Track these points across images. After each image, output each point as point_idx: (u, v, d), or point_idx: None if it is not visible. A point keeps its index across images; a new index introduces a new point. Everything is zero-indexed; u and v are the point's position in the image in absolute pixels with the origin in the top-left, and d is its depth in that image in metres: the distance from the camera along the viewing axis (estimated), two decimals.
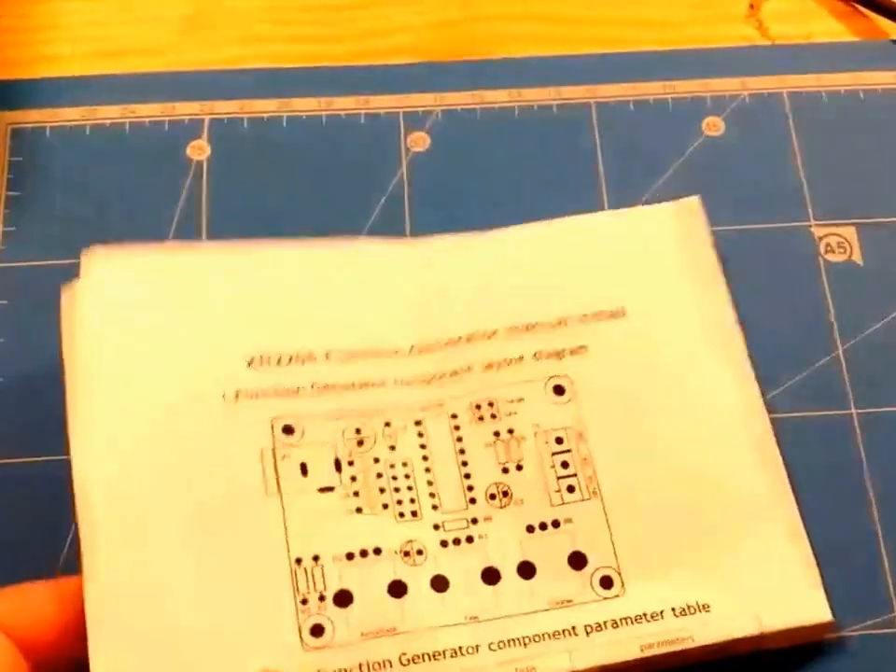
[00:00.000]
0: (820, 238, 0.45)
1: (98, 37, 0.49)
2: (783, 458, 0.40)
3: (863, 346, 0.43)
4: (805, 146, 0.47)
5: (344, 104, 0.48)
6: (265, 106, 0.47)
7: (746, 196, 0.46)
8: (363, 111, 0.47)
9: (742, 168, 0.47)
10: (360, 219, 0.45)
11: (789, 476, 0.40)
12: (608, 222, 0.44)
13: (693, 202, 0.44)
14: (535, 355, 0.42)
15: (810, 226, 0.45)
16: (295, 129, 0.47)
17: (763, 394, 0.41)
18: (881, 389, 0.43)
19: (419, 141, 0.47)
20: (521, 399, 0.41)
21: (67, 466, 0.38)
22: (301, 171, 0.46)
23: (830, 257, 0.45)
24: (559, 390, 0.41)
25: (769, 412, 0.41)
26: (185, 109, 0.47)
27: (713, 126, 0.47)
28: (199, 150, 0.46)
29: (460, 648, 0.37)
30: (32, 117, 0.47)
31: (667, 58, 0.49)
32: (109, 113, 0.47)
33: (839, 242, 0.45)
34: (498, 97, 0.48)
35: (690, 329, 0.42)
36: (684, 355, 0.41)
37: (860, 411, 0.42)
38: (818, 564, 0.39)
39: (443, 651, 0.37)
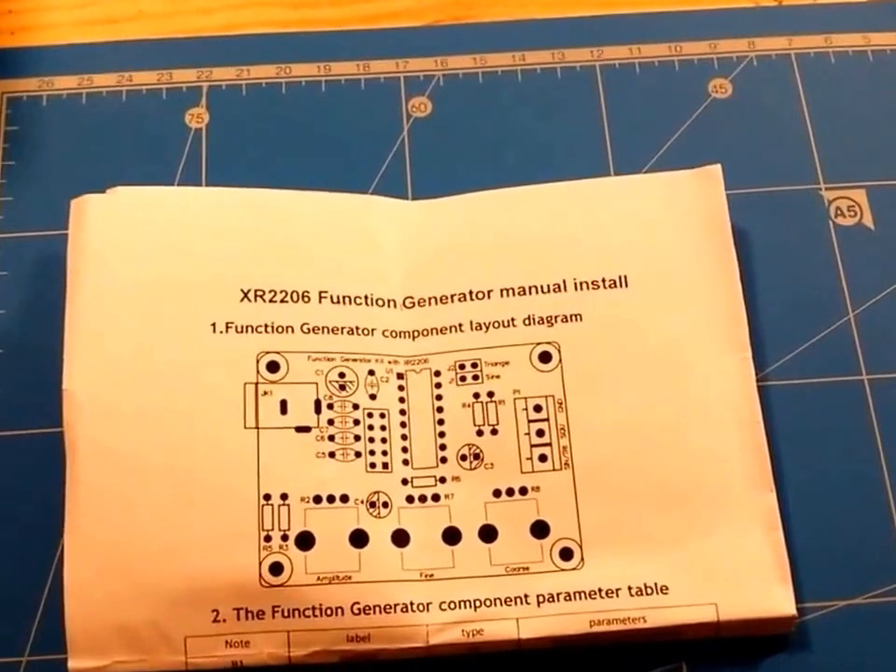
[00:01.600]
0: (830, 202, 0.45)
1: (94, 4, 0.49)
2: (792, 425, 0.41)
3: (874, 311, 0.43)
4: (814, 108, 0.46)
5: (344, 69, 0.47)
6: (264, 73, 0.47)
7: (754, 159, 0.45)
8: (363, 76, 0.47)
9: (750, 131, 0.46)
10: (361, 186, 0.44)
11: (786, 456, 0.40)
12: (619, 187, 0.43)
13: (714, 170, 0.43)
14: (526, 319, 0.41)
15: (820, 189, 0.45)
16: (294, 95, 0.47)
17: (772, 362, 0.42)
18: (892, 355, 0.42)
19: (420, 106, 0.47)
20: (506, 363, 0.41)
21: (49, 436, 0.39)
22: (301, 138, 0.46)
23: (840, 221, 0.44)
24: (545, 357, 0.41)
25: (779, 378, 0.41)
26: (182, 77, 0.47)
27: (720, 88, 0.47)
28: (197, 118, 0.46)
29: (411, 603, 0.38)
30: (28, 85, 0.47)
31: (673, 18, 0.48)
32: (106, 81, 0.47)
33: (849, 205, 0.45)
34: (501, 61, 0.47)
35: (692, 307, 0.41)
36: (682, 333, 0.41)
37: (871, 376, 0.42)
38: (828, 546, 0.39)
39: (395, 606, 0.38)
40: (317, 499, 0.38)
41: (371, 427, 0.40)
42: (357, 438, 0.39)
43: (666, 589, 0.38)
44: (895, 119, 0.46)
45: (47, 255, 0.43)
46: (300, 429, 0.39)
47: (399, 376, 0.41)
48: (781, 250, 0.44)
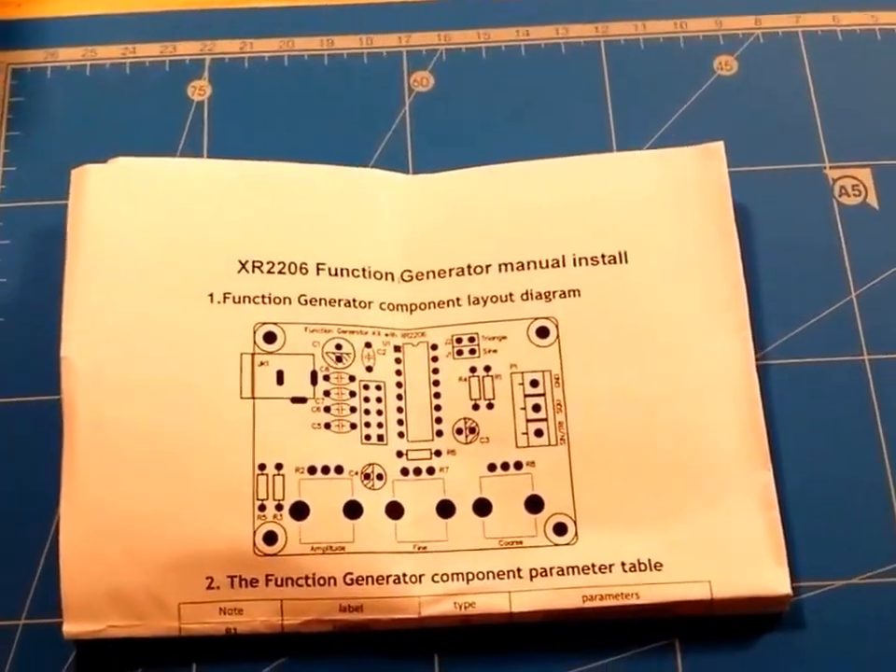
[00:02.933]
0: (835, 181, 0.45)
1: None
2: (792, 404, 0.41)
3: (877, 291, 0.43)
4: (820, 86, 0.46)
5: (347, 42, 0.47)
6: (267, 46, 0.47)
7: (758, 137, 0.45)
8: (366, 50, 0.47)
9: (755, 109, 0.46)
10: (362, 159, 0.45)
11: (785, 435, 0.40)
12: (620, 163, 0.43)
13: (716, 147, 0.43)
14: (524, 295, 0.41)
15: (824, 168, 0.45)
16: (297, 69, 0.47)
17: (773, 341, 0.42)
18: (894, 335, 0.42)
19: (423, 80, 0.47)
20: (503, 338, 0.41)
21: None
22: (303, 111, 0.46)
23: (844, 200, 0.44)
24: (543, 332, 0.41)
25: (780, 357, 0.42)
26: (186, 49, 0.47)
27: (726, 65, 0.47)
28: (200, 91, 0.46)
29: (404, 575, 0.38)
30: (33, 57, 0.47)
31: None
32: (109, 53, 0.47)
33: (854, 184, 0.44)
34: (505, 35, 0.47)
35: (692, 285, 0.41)
36: (681, 310, 0.41)
37: (872, 356, 0.42)
38: (825, 525, 0.39)
39: (387, 577, 0.38)
40: (312, 470, 0.39)
41: (366, 399, 0.40)
42: (353, 409, 0.40)
43: (660, 566, 0.38)
44: None
45: (48, 224, 0.43)
46: (295, 400, 0.40)
47: (396, 349, 0.41)
48: (784, 229, 0.44)
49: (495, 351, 0.41)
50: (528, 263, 0.42)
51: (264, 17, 0.48)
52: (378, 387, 0.40)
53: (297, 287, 0.41)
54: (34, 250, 0.44)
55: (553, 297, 0.41)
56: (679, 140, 0.44)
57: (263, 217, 0.42)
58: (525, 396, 0.40)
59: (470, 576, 0.38)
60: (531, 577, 0.38)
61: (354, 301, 0.41)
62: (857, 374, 0.42)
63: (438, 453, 0.40)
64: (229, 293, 0.41)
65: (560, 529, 0.39)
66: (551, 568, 0.38)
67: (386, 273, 0.42)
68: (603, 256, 0.41)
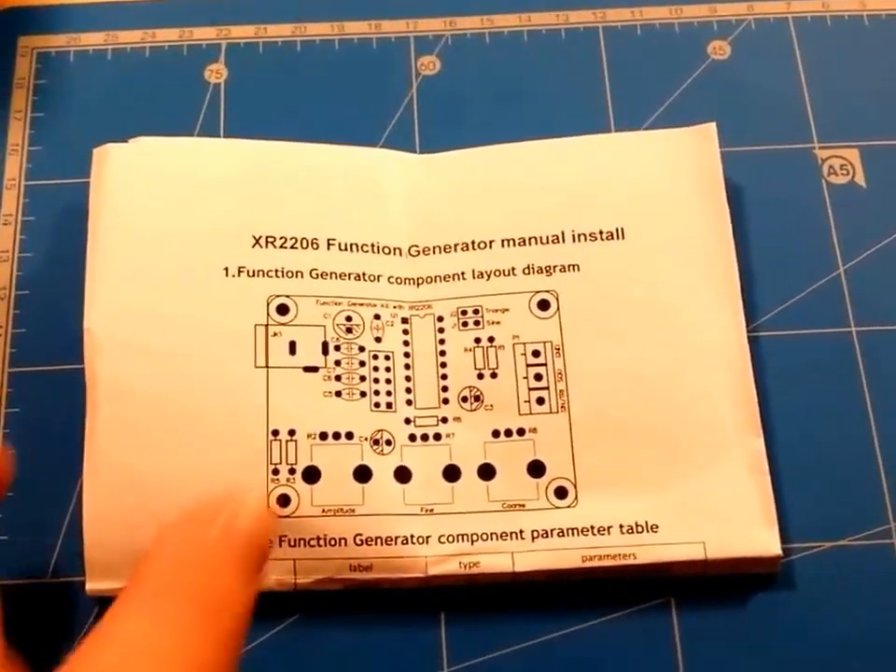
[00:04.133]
0: (823, 160, 0.46)
1: None
2: (782, 374, 0.42)
3: (864, 266, 0.44)
4: (810, 70, 0.47)
5: (357, 28, 0.49)
6: (280, 31, 0.48)
7: (750, 119, 0.46)
8: (375, 35, 0.48)
9: (747, 91, 0.47)
10: (371, 140, 0.46)
11: (776, 404, 0.42)
12: (618, 143, 0.45)
13: (709, 129, 0.44)
14: (525, 269, 0.43)
15: (813, 148, 0.46)
16: (309, 53, 0.48)
17: (764, 313, 0.43)
18: (880, 309, 0.43)
19: (429, 65, 0.48)
20: (506, 310, 0.42)
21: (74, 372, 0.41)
22: (315, 94, 0.47)
23: (832, 179, 0.45)
24: (544, 305, 0.42)
25: (771, 329, 0.43)
26: (202, 34, 0.48)
27: (719, 50, 0.48)
28: (216, 74, 0.47)
29: (411, 536, 0.39)
30: (56, 41, 0.48)
31: None
32: (130, 38, 0.48)
33: (842, 164, 0.46)
34: (508, 21, 0.49)
35: (686, 259, 0.42)
36: (676, 284, 0.42)
37: (859, 329, 0.43)
38: (816, 490, 0.41)
39: (395, 538, 0.39)
40: (323, 436, 0.40)
41: (375, 369, 0.41)
42: (363, 378, 0.41)
43: (656, 528, 0.39)
44: (888, 81, 0.47)
45: (71, 202, 0.44)
46: (307, 369, 0.41)
47: (404, 321, 0.42)
48: (775, 207, 0.45)
49: (498, 323, 0.42)
50: (529, 239, 0.43)
51: (277, 3, 0.49)
52: (387, 357, 0.42)
53: (309, 262, 0.42)
54: (58, 227, 0.45)
55: (554, 271, 0.42)
56: (675, 121, 0.45)
57: (276, 194, 0.43)
58: (527, 366, 0.41)
59: (475, 537, 0.39)
60: (533, 538, 0.39)
61: (363, 274, 0.42)
62: (844, 345, 0.43)
63: (444, 420, 0.41)
64: (243, 267, 0.42)
65: (561, 493, 0.40)
66: (552, 530, 0.39)
67: (394, 249, 0.43)
68: (601, 232, 0.43)
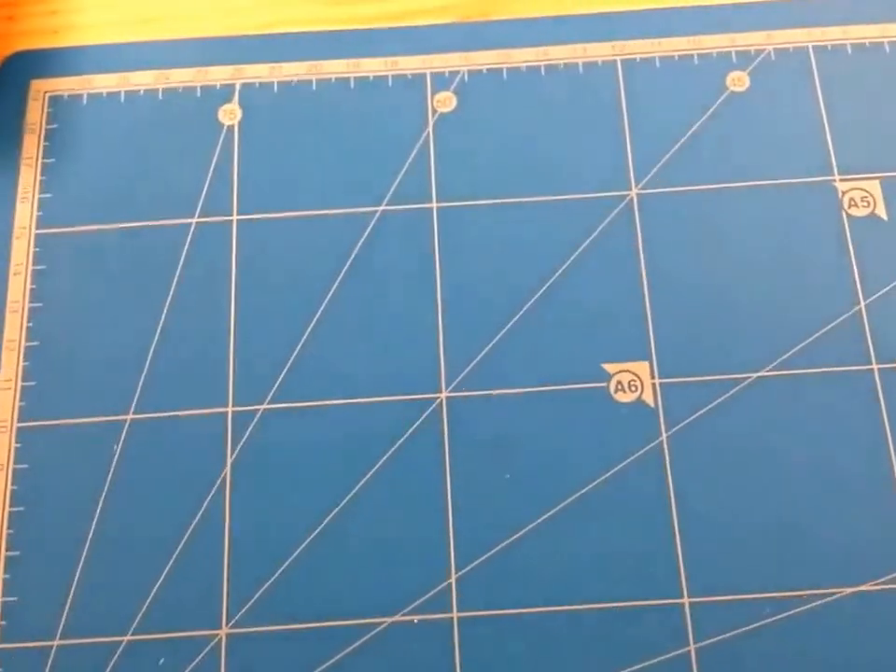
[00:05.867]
0: (844, 193, 0.45)
1: (130, 4, 0.50)
2: (806, 415, 0.42)
3: (886, 302, 0.44)
4: (830, 99, 0.47)
5: (372, 66, 0.48)
6: (295, 70, 0.48)
7: (769, 152, 0.46)
8: (390, 73, 0.48)
9: (766, 123, 0.47)
10: (388, 178, 0.46)
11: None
12: None
13: None
14: None
15: (834, 181, 0.46)
16: (324, 92, 0.48)
17: (785, 351, 0.43)
18: None
19: (446, 101, 0.48)
20: None
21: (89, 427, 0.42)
22: (331, 132, 0.47)
23: (853, 211, 0.45)
24: None
25: (790, 368, 0.43)
26: (216, 74, 0.48)
27: (738, 81, 0.47)
28: (230, 115, 0.47)
29: None
30: (68, 84, 0.48)
31: (693, 13, 0.49)
32: (143, 79, 0.48)
33: (863, 196, 0.45)
34: (525, 56, 0.48)
35: None
36: None
37: (881, 366, 0.43)
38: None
39: None
40: None
41: None
42: None
43: None
44: None
45: (84, 251, 0.44)
46: None
47: None
48: (795, 241, 0.45)
49: None
50: None
51: (292, 42, 0.49)
52: None
53: None
54: (70, 276, 0.45)
55: None
56: (694, 155, 0.45)
57: None
58: None
59: None
60: None
61: None
62: (866, 384, 0.42)
63: None
64: None
65: None
66: None
67: None
68: None
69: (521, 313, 0.44)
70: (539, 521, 0.41)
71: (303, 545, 0.41)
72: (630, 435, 0.42)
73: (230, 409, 0.43)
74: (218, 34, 0.49)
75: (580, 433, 0.42)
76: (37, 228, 0.46)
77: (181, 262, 0.45)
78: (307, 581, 0.40)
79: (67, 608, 0.40)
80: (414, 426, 0.42)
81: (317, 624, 0.40)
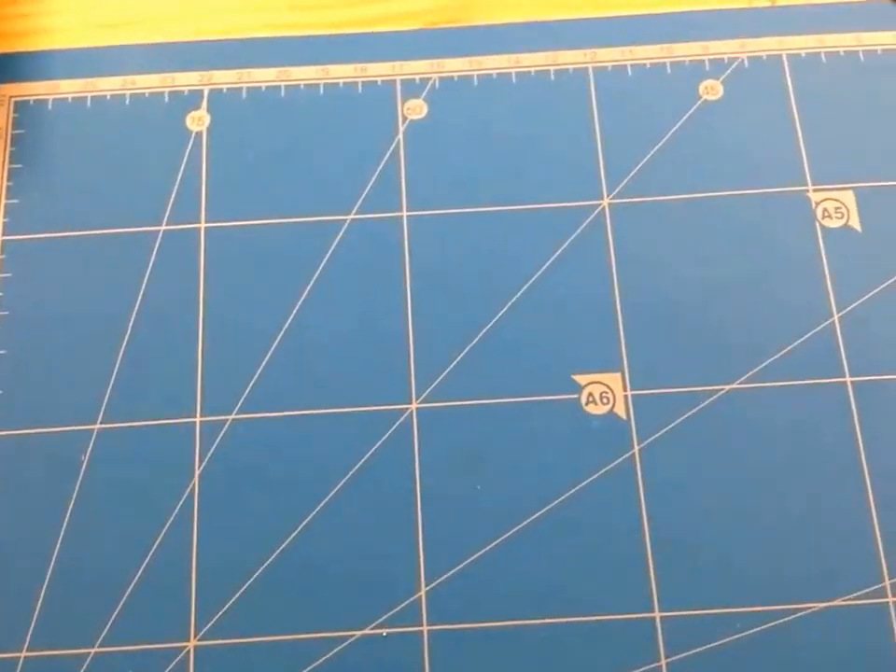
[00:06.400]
0: (817, 203, 0.45)
1: (97, 8, 0.49)
2: (781, 427, 0.42)
3: (860, 314, 0.43)
4: (804, 108, 0.47)
5: (342, 72, 0.48)
6: (264, 76, 0.48)
7: (742, 161, 0.46)
8: (360, 79, 0.48)
9: (740, 132, 0.46)
10: (358, 185, 0.45)
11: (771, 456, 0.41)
12: None
13: None
14: None
15: (807, 191, 0.45)
16: (293, 98, 0.47)
17: (757, 363, 0.42)
18: (877, 357, 0.43)
19: (416, 108, 0.47)
20: None
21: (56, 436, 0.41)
22: (300, 139, 0.47)
23: (827, 222, 0.45)
24: None
25: (762, 380, 0.42)
26: (184, 80, 0.48)
27: (711, 90, 0.47)
28: (199, 121, 0.47)
29: None
30: (34, 89, 0.47)
31: (666, 20, 0.49)
32: (110, 85, 0.47)
33: (836, 207, 0.45)
34: (496, 63, 0.48)
35: None
36: None
37: (854, 378, 0.42)
38: None
39: None
40: None
41: None
42: None
43: None
44: (885, 119, 0.47)
45: (51, 257, 0.44)
46: None
47: None
48: (768, 252, 0.44)
49: None
50: None
51: (261, 47, 0.48)
52: None
53: None
54: (36, 284, 0.44)
55: None
56: (666, 164, 0.45)
57: None
58: None
59: None
60: None
61: None
62: (840, 397, 0.42)
63: None
64: None
65: None
66: None
67: None
68: None
69: (491, 323, 0.43)
70: (511, 533, 0.40)
71: (272, 557, 0.40)
72: (602, 447, 0.42)
73: (198, 419, 0.42)
74: (187, 38, 0.49)
75: (551, 445, 0.42)
76: (4, 234, 0.45)
77: (149, 270, 0.44)
78: (276, 593, 0.40)
79: (34, 619, 0.40)
80: (385, 436, 0.42)
81: (286, 637, 0.39)
